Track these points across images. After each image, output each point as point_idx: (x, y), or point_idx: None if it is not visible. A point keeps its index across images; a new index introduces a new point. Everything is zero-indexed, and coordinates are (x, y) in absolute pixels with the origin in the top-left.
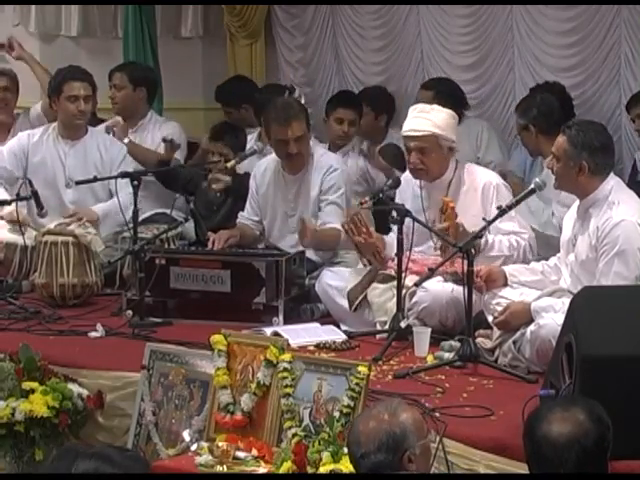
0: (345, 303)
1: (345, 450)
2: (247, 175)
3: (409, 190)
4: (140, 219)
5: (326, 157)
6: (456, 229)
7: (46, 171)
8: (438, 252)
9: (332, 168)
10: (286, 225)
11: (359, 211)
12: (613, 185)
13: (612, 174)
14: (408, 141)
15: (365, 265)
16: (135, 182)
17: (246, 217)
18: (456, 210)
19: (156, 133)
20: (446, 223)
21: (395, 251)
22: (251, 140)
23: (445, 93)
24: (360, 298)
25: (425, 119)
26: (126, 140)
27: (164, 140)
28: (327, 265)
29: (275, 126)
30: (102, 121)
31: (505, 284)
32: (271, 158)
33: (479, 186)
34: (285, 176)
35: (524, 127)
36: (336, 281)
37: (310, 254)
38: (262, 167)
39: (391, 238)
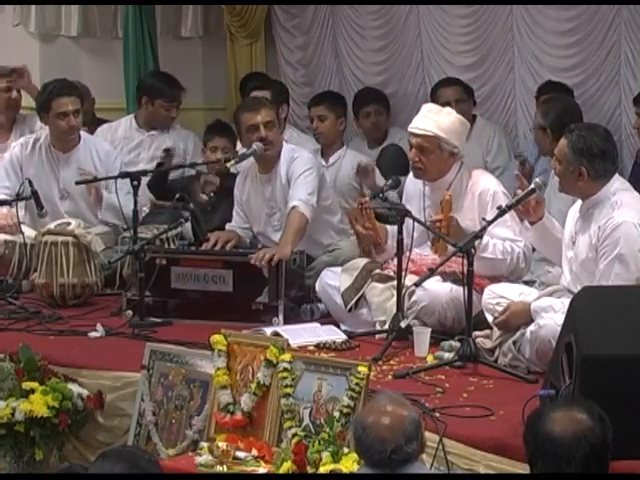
0: None
1: (345, 450)
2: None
3: (415, 187)
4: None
5: (290, 151)
6: (449, 222)
7: (40, 182)
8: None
9: (293, 158)
10: (269, 224)
11: (366, 200)
12: (617, 186)
13: (617, 175)
14: (411, 137)
15: (362, 255)
16: (135, 182)
17: (235, 226)
18: (453, 210)
19: (178, 142)
20: (440, 215)
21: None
22: None
23: (467, 86)
24: (355, 299)
25: (432, 120)
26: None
27: (165, 150)
28: (323, 254)
29: (245, 114)
30: (101, 121)
31: (540, 217)
32: (247, 166)
33: (477, 192)
34: (260, 177)
35: (542, 128)
36: (336, 281)
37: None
38: (242, 176)
39: (394, 228)
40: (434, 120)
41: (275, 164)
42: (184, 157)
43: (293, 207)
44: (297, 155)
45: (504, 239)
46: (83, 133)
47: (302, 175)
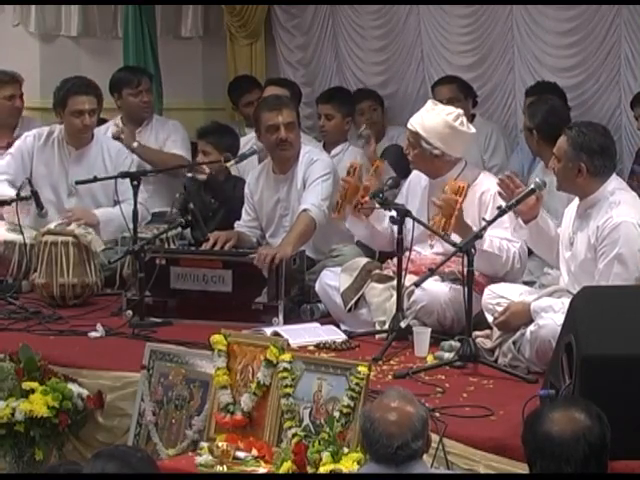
0: None
1: (345, 450)
2: (242, 180)
3: (420, 182)
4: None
5: (309, 153)
6: (459, 212)
7: (49, 177)
8: (435, 250)
9: (312, 160)
10: (281, 225)
11: (366, 200)
12: (615, 186)
13: (614, 175)
14: (406, 130)
15: (336, 206)
16: (135, 182)
17: (242, 225)
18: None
19: (159, 133)
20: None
21: (384, 226)
22: (251, 140)
23: (466, 85)
24: (355, 299)
25: (420, 116)
26: (135, 144)
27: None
28: (326, 259)
29: (266, 113)
30: (105, 121)
31: (535, 216)
32: (262, 165)
33: (478, 192)
34: (275, 178)
35: (528, 129)
36: (336, 281)
37: (307, 250)
38: (255, 174)
39: (384, 214)
40: (421, 117)
41: (292, 165)
42: (164, 145)
43: (304, 210)
44: (317, 158)
45: (501, 238)
46: (96, 131)
47: (319, 179)
